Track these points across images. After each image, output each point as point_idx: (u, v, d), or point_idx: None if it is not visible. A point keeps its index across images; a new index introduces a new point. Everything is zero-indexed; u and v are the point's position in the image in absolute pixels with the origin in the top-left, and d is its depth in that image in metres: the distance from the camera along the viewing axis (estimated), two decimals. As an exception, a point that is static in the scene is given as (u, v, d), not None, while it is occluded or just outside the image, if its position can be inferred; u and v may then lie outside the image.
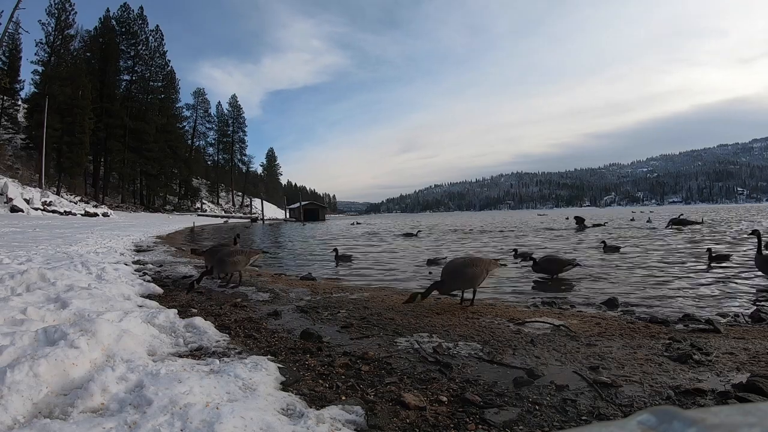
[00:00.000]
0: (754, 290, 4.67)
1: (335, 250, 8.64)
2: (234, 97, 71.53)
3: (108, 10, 48.56)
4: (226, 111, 69.52)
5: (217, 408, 1.36)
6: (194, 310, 3.17)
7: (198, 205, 60.98)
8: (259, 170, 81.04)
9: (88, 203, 35.58)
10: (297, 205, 63.60)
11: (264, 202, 58.92)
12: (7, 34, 35.23)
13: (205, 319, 2.58)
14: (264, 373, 1.75)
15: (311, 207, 65.10)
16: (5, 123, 39.31)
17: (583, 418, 1.51)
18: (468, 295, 3.59)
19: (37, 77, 40.22)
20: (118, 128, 44.71)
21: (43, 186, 32.01)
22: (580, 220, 18.67)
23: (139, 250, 8.87)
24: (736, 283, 5.06)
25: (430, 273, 6.49)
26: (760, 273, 5.22)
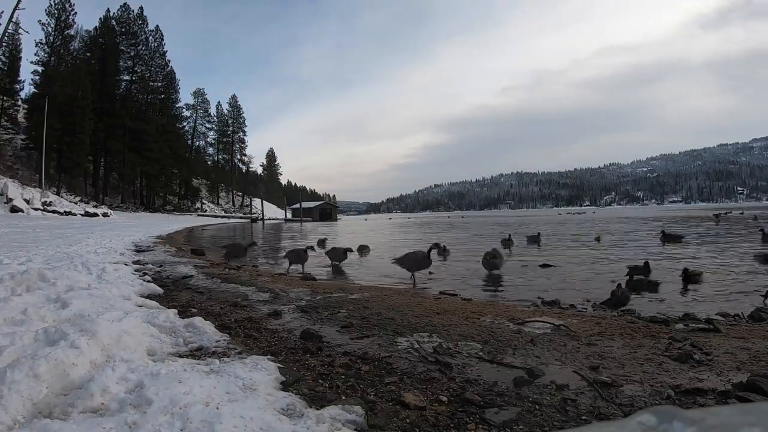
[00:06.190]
0: (752, 290, 4.67)
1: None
2: (234, 97, 71.63)
3: (108, 11, 48.66)
4: (226, 111, 69.59)
5: (218, 408, 1.36)
6: (194, 310, 3.17)
7: (198, 205, 60.96)
8: (259, 170, 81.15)
9: (88, 203, 35.58)
10: (312, 204, 66.06)
11: (264, 202, 58.97)
12: (7, 34, 35.29)
13: (205, 319, 2.58)
14: (264, 373, 1.75)
15: (325, 207, 69.05)
16: (5, 123, 39.30)
17: (584, 417, 1.51)
18: None
19: (37, 77, 40.26)
20: (118, 128, 44.66)
21: (43, 186, 32.04)
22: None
23: (139, 250, 8.87)
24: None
25: (430, 273, 6.49)
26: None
